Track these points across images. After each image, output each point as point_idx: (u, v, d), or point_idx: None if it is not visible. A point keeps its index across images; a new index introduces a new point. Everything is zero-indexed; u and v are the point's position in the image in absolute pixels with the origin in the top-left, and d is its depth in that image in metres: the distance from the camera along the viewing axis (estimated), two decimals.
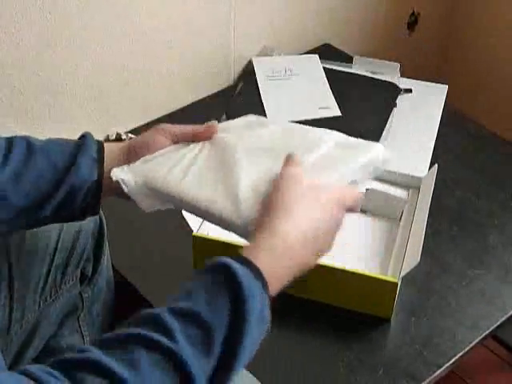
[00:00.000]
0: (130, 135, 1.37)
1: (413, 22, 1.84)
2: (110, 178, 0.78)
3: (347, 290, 1.01)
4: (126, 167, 0.79)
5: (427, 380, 0.95)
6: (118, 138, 1.36)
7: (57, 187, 0.77)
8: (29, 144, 0.79)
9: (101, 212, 1.01)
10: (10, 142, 0.78)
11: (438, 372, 0.96)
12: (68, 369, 0.54)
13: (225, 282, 0.59)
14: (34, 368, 0.53)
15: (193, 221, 1.03)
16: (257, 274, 0.61)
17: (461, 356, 0.99)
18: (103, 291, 1.06)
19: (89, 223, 0.99)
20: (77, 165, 0.78)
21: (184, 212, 1.00)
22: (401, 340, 1.00)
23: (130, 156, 0.81)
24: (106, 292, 1.07)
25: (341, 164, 0.74)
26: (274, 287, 0.63)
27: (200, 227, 1.06)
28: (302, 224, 0.65)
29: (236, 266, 0.60)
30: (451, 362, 0.97)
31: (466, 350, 0.99)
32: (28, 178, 0.77)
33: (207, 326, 0.57)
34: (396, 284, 0.97)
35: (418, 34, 1.87)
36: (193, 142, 0.82)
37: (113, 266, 1.09)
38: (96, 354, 0.55)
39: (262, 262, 0.62)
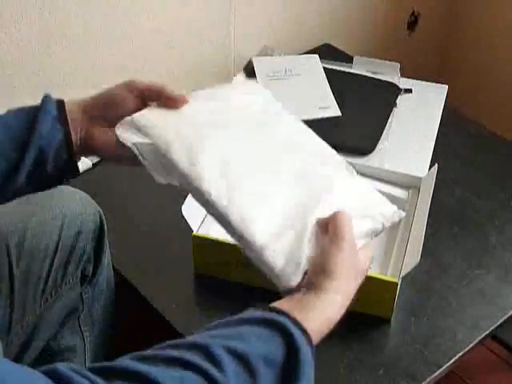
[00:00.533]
0: None
1: (413, 22, 1.84)
2: (79, 135, 0.77)
3: None
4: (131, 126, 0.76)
5: (427, 380, 0.95)
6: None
7: (22, 153, 0.75)
8: None
9: (101, 212, 1.01)
10: None
11: (438, 372, 0.96)
12: (107, 375, 0.52)
13: (283, 344, 0.59)
14: (65, 368, 0.51)
15: (193, 221, 1.03)
16: (309, 341, 0.61)
17: (461, 356, 0.99)
18: (103, 291, 1.06)
19: (89, 224, 0.99)
20: (37, 126, 0.75)
21: (184, 212, 1.00)
22: (401, 340, 1.00)
23: (94, 113, 0.78)
24: (107, 292, 1.07)
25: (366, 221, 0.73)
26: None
27: (200, 227, 1.06)
28: (343, 294, 0.66)
29: (295, 331, 0.60)
30: (451, 361, 0.97)
31: (466, 350, 0.99)
32: None
33: (258, 378, 0.56)
34: (396, 284, 0.97)
35: (418, 34, 1.87)
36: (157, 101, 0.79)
37: (113, 266, 1.09)
38: (141, 367, 0.54)
39: (313, 329, 0.63)
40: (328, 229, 0.68)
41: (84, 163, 1.29)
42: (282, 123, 0.81)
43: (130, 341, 1.15)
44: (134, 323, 1.17)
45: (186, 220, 1.00)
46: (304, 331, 0.61)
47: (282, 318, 0.60)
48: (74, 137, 0.77)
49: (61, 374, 0.51)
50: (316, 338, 0.63)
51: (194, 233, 1.03)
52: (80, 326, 1.04)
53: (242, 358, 0.56)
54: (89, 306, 1.05)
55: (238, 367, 0.56)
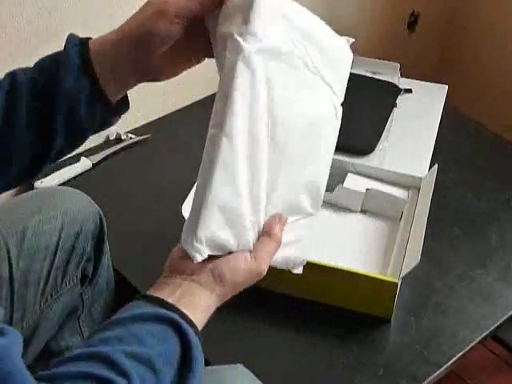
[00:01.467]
0: (129, 135, 1.37)
1: (413, 22, 1.84)
2: (117, 80, 0.71)
3: (347, 290, 1.01)
4: None
5: (427, 380, 0.95)
6: (118, 138, 1.37)
7: (52, 113, 0.70)
8: (13, 79, 0.71)
9: (101, 212, 1.01)
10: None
11: (438, 372, 0.96)
12: None
13: (176, 338, 0.61)
14: None
15: None
16: (197, 332, 0.63)
17: (461, 356, 0.99)
18: (103, 292, 1.06)
19: (89, 224, 0.99)
20: (60, 83, 0.69)
21: (184, 212, 1.00)
22: (401, 340, 1.00)
23: (129, 49, 0.70)
24: (107, 292, 1.07)
25: None
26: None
27: None
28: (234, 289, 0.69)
29: (186, 326, 0.62)
30: (451, 361, 0.97)
31: (466, 349, 0.99)
32: (18, 114, 0.71)
33: (159, 374, 0.59)
34: (396, 284, 0.97)
35: (417, 34, 1.87)
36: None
37: (113, 266, 1.09)
38: None
39: (198, 319, 0.65)
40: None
41: (84, 163, 1.30)
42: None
43: None
44: None
45: (186, 220, 1.00)
46: (192, 324, 0.63)
47: (172, 314, 0.62)
48: (109, 78, 0.70)
49: None
50: (200, 328, 0.65)
51: None
52: (80, 327, 1.04)
53: (143, 361, 0.58)
54: (89, 306, 1.04)
55: (141, 370, 0.58)
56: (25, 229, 0.93)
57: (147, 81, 0.74)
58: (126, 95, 0.76)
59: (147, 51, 0.70)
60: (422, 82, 1.48)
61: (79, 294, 1.02)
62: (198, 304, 0.66)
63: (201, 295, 0.66)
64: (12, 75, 0.72)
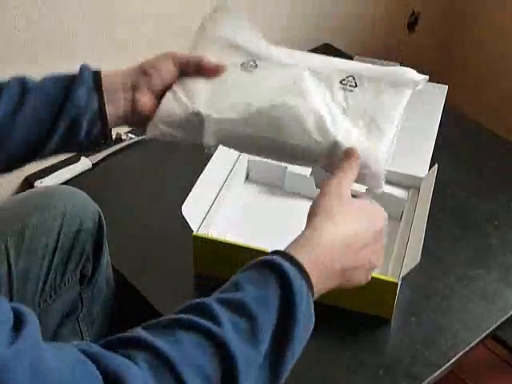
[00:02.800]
0: (129, 135, 1.37)
1: (413, 22, 1.84)
2: (114, 108, 0.79)
3: (347, 290, 1.00)
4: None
5: (427, 380, 0.95)
6: (118, 138, 1.37)
7: (56, 119, 0.77)
8: (23, 83, 0.78)
9: (100, 212, 1.01)
10: (5, 83, 0.78)
11: (438, 372, 0.96)
12: (116, 347, 0.56)
13: (275, 280, 0.60)
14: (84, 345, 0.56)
15: (193, 221, 1.03)
16: (304, 275, 0.62)
17: (461, 356, 0.99)
18: (103, 291, 1.06)
19: (88, 223, 0.99)
20: (72, 96, 0.77)
21: (184, 212, 1.00)
22: (401, 340, 1.00)
23: (135, 82, 0.80)
24: (106, 292, 1.07)
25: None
26: (316, 291, 0.64)
27: (200, 227, 1.06)
28: (342, 232, 0.67)
29: (286, 265, 0.61)
30: (451, 361, 0.97)
31: (466, 349, 0.99)
32: (24, 115, 0.77)
33: (255, 320, 0.58)
34: (396, 284, 0.97)
35: (418, 34, 1.87)
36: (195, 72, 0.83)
37: (113, 266, 1.09)
38: (142, 333, 0.58)
39: (309, 265, 0.63)
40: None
41: (84, 163, 1.30)
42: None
43: None
44: (133, 323, 1.17)
45: (186, 220, 1.00)
46: (297, 264, 0.62)
47: (273, 257, 0.62)
48: (113, 109, 0.79)
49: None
50: (312, 270, 0.63)
51: (194, 233, 1.03)
52: (79, 326, 1.04)
53: (234, 306, 0.58)
54: (88, 305, 1.04)
55: (232, 315, 0.58)
56: (24, 228, 0.93)
57: (128, 124, 0.84)
58: (110, 131, 0.82)
59: (147, 85, 0.80)
60: None
61: (78, 294, 1.02)
62: (300, 241, 0.65)
63: (306, 233, 0.66)
64: (21, 80, 0.79)
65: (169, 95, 0.80)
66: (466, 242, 1.16)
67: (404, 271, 0.96)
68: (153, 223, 1.18)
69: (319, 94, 0.77)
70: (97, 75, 0.79)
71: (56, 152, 0.81)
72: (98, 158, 1.32)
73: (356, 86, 0.78)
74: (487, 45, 1.83)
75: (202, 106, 0.78)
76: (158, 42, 1.35)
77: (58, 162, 1.28)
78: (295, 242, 0.65)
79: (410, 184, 1.19)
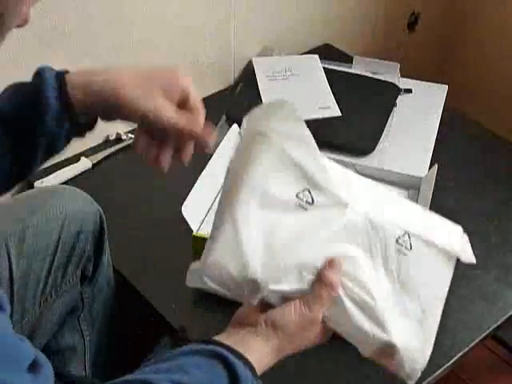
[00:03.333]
0: (129, 135, 1.37)
1: (413, 22, 1.84)
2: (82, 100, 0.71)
3: None
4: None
5: (427, 380, 0.95)
6: (118, 138, 1.37)
7: (33, 152, 0.73)
8: None
9: (101, 212, 1.01)
10: None
11: (438, 372, 0.96)
12: None
13: (224, 371, 0.63)
14: None
15: (193, 221, 1.03)
16: (248, 365, 0.65)
17: (461, 356, 0.99)
18: (103, 291, 1.06)
19: (89, 223, 0.99)
20: (43, 129, 0.71)
21: (184, 212, 1.00)
22: None
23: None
24: (107, 292, 1.07)
25: None
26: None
27: (200, 227, 1.06)
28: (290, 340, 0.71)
29: (233, 359, 0.64)
30: (451, 361, 0.97)
31: (466, 350, 0.99)
32: None
33: None
34: None
35: (418, 34, 1.87)
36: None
37: (113, 266, 1.09)
38: None
39: (252, 359, 0.66)
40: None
41: (84, 163, 1.30)
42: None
43: (130, 340, 1.15)
44: (134, 323, 1.17)
45: (186, 220, 1.00)
46: (241, 357, 0.65)
47: (219, 349, 0.64)
48: (85, 104, 0.72)
49: None
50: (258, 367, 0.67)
51: (194, 233, 1.03)
52: (80, 326, 1.04)
53: None
54: (89, 305, 1.05)
55: None
56: (25, 228, 0.93)
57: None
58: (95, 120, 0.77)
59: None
60: (422, 82, 1.48)
61: (79, 294, 1.02)
62: (250, 348, 0.67)
63: (255, 342, 0.68)
64: None
65: (219, 244, 0.69)
66: None
67: None
68: (153, 223, 1.18)
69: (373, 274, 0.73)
70: (61, 85, 0.71)
71: (41, 162, 0.77)
72: (98, 158, 1.32)
73: (411, 248, 0.74)
74: (487, 45, 1.83)
75: (259, 270, 0.69)
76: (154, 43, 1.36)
77: (58, 162, 1.28)
78: (241, 341, 0.68)
79: (410, 184, 1.19)
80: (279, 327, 0.69)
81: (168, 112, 0.72)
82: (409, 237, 0.74)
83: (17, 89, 0.74)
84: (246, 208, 0.69)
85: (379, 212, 0.73)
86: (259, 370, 0.67)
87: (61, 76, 0.72)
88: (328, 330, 0.74)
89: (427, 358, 0.75)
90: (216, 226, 0.70)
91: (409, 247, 0.74)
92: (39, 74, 0.72)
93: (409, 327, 0.73)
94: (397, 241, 0.73)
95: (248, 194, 0.69)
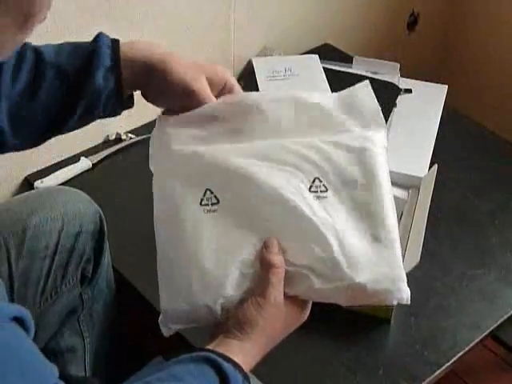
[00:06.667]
0: (129, 135, 1.37)
1: (413, 22, 1.84)
2: (130, 77, 0.77)
3: None
4: None
5: (427, 380, 0.95)
6: (118, 138, 1.37)
7: (75, 99, 0.76)
8: (38, 57, 0.77)
9: (101, 212, 1.01)
10: (21, 55, 0.77)
11: (438, 372, 0.96)
12: None
13: (215, 374, 0.64)
14: None
15: None
16: (238, 367, 0.66)
17: (461, 356, 0.99)
18: (103, 292, 1.06)
19: (89, 224, 0.99)
20: (90, 80, 0.75)
21: None
22: (401, 340, 1.00)
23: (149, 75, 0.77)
24: (107, 292, 1.07)
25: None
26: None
27: None
28: (271, 338, 0.72)
29: (222, 361, 0.65)
30: (451, 361, 0.98)
31: (466, 349, 0.99)
32: (42, 93, 0.76)
33: None
34: None
35: (417, 34, 1.87)
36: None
37: (113, 266, 1.09)
38: None
39: (240, 359, 0.68)
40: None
41: (84, 163, 1.30)
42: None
43: (130, 341, 1.15)
44: (134, 323, 1.17)
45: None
46: (228, 360, 0.66)
47: (207, 353, 0.66)
48: (129, 72, 0.77)
49: None
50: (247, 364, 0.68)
51: None
52: (80, 327, 1.04)
53: None
54: (88, 306, 1.04)
55: None
56: (25, 229, 0.93)
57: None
58: (132, 94, 0.81)
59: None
60: (422, 82, 1.48)
61: (79, 294, 1.02)
62: (232, 352, 0.68)
63: (234, 346, 0.69)
64: (37, 52, 0.77)
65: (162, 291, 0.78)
66: (466, 241, 1.16)
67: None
68: (153, 223, 1.17)
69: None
70: (115, 51, 0.76)
71: (77, 126, 0.80)
72: (98, 158, 1.32)
73: (326, 189, 0.73)
74: (487, 45, 1.83)
75: (205, 294, 0.72)
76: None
77: (58, 162, 1.28)
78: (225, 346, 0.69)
79: (410, 184, 1.19)
80: (246, 326, 0.69)
81: (209, 96, 0.77)
82: (319, 180, 0.73)
83: (76, 46, 0.78)
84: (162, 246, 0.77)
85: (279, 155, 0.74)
86: (246, 369, 0.68)
87: (116, 41, 0.78)
88: (302, 305, 0.74)
89: (402, 277, 0.75)
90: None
91: (324, 189, 0.73)
92: (97, 37, 0.78)
93: (367, 262, 0.71)
94: (310, 190, 0.73)
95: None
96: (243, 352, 0.69)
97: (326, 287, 0.71)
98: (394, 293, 0.73)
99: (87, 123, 0.82)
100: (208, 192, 0.73)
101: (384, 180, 0.74)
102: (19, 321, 0.52)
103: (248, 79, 1.48)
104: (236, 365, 0.66)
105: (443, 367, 0.97)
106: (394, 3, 1.75)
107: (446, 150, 1.33)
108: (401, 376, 0.95)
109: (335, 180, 0.73)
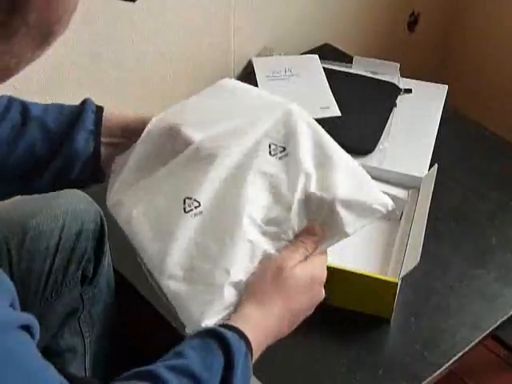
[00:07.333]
0: None
1: (413, 22, 1.84)
2: (109, 150, 0.79)
3: (347, 290, 1.01)
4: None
5: (427, 380, 0.95)
6: None
7: (52, 157, 0.77)
8: (25, 110, 0.78)
9: (101, 212, 1.01)
10: (7, 106, 0.78)
11: (438, 372, 0.96)
12: None
13: (216, 343, 0.65)
14: None
15: None
16: (241, 335, 0.66)
17: (461, 356, 0.99)
18: (104, 292, 1.06)
19: (89, 224, 0.99)
20: (72, 139, 0.77)
21: None
22: (401, 340, 1.00)
23: (135, 133, 0.80)
24: (107, 293, 1.07)
25: None
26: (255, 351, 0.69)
27: None
28: (283, 312, 0.71)
29: (224, 330, 0.66)
30: (451, 361, 0.98)
31: (466, 349, 0.99)
32: (22, 144, 0.77)
33: (200, 380, 0.62)
34: (396, 284, 0.97)
35: (417, 34, 1.87)
36: None
37: (113, 266, 1.09)
38: None
39: (247, 331, 0.67)
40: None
41: None
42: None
43: (130, 341, 1.15)
44: (134, 323, 1.17)
45: None
46: (236, 330, 0.66)
47: (216, 327, 0.67)
48: (108, 151, 0.80)
49: None
50: (254, 335, 0.67)
51: None
52: (80, 327, 1.04)
53: (182, 371, 0.62)
54: (89, 306, 1.05)
55: (180, 379, 0.61)
56: (25, 229, 0.93)
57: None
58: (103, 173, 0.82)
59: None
60: (422, 82, 1.48)
61: (79, 294, 1.02)
62: (238, 314, 0.69)
63: (242, 307, 0.69)
64: (24, 106, 0.78)
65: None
66: (466, 241, 1.16)
67: (404, 271, 0.96)
68: None
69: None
70: (98, 116, 0.79)
71: (46, 188, 0.81)
72: None
73: (284, 149, 0.76)
74: (487, 45, 1.83)
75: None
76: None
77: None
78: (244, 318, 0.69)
79: (410, 184, 1.19)
80: (253, 286, 0.70)
81: None
82: (275, 145, 0.77)
83: (63, 106, 0.81)
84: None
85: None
86: (258, 334, 0.68)
87: (101, 108, 0.81)
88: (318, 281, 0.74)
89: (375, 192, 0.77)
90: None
91: (282, 149, 0.76)
92: (84, 101, 0.81)
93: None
94: (270, 153, 0.76)
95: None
96: (250, 314, 0.69)
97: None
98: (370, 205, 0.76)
99: (58, 186, 0.82)
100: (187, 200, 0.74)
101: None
102: (26, 329, 0.52)
103: (248, 79, 1.48)
104: (241, 334, 0.66)
105: (443, 367, 0.97)
106: (393, 3, 1.75)
107: (446, 150, 1.33)
108: (401, 376, 0.95)
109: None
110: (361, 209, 0.75)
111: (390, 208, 0.76)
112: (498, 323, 1.03)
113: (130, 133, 0.80)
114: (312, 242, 0.73)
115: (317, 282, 0.74)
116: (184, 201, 0.73)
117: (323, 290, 0.75)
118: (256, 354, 0.69)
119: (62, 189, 0.86)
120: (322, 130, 0.80)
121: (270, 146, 0.76)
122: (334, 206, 0.73)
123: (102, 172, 0.81)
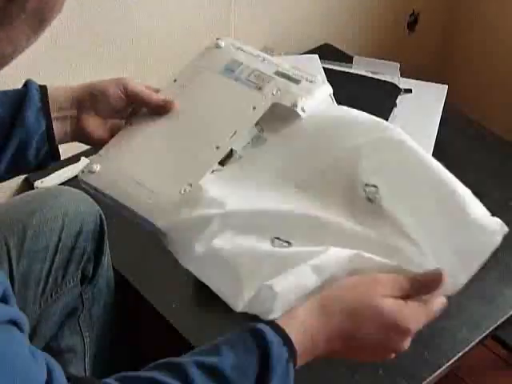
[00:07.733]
0: None
1: (413, 22, 1.84)
2: (61, 125, 0.80)
3: None
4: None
5: (427, 380, 0.95)
6: None
7: (5, 141, 0.77)
8: None
9: (101, 212, 1.01)
10: None
11: (438, 372, 0.96)
12: None
13: (255, 348, 0.61)
14: None
15: None
16: (286, 341, 0.63)
17: (461, 356, 0.99)
18: (104, 292, 1.06)
19: (89, 224, 0.99)
20: (21, 119, 0.77)
21: None
22: None
23: (82, 101, 0.81)
24: (107, 292, 1.07)
25: None
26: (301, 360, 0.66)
27: None
28: (354, 342, 0.68)
29: (267, 329, 0.62)
30: (451, 361, 0.97)
31: (466, 349, 0.99)
32: None
33: (227, 381, 0.60)
34: None
35: (418, 34, 1.87)
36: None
37: (113, 266, 1.09)
38: None
39: (299, 343, 0.64)
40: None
41: (84, 163, 1.30)
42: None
43: (130, 341, 1.15)
44: (134, 323, 1.17)
45: None
46: (279, 330, 0.63)
47: (255, 324, 0.63)
48: (60, 126, 0.80)
49: None
50: (299, 339, 0.64)
51: None
52: (80, 327, 1.04)
53: (209, 369, 0.60)
54: (89, 306, 1.04)
55: (207, 380, 0.59)
56: (25, 229, 0.93)
57: (77, 140, 0.85)
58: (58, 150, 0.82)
59: (93, 108, 0.82)
60: (422, 82, 1.48)
61: (79, 294, 1.02)
62: (292, 316, 0.65)
63: (298, 312, 0.65)
64: None
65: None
66: None
67: None
68: None
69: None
70: (43, 93, 0.79)
71: (4, 175, 0.81)
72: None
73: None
74: (487, 45, 1.83)
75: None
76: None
77: (58, 162, 1.28)
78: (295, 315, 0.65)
79: None
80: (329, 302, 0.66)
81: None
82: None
83: (6, 91, 0.81)
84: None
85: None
86: (306, 343, 0.65)
87: (44, 86, 0.81)
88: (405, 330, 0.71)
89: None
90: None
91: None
92: (26, 82, 0.81)
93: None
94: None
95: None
96: (305, 321, 0.65)
97: None
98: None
99: (16, 170, 0.82)
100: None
101: None
102: (15, 324, 0.51)
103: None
104: (286, 337, 0.63)
105: (443, 367, 0.97)
106: (394, 3, 1.75)
107: (446, 150, 1.33)
108: (401, 376, 0.95)
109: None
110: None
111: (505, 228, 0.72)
112: (498, 323, 1.03)
113: (79, 103, 0.81)
114: (424, 288, 0.71)
115: (400, 330, 0.71)
116: None
117: (405, 344, 0.72)
118: (301, 363, 0.66)
119: (19, 174, 0.86)
120: None
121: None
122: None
123: (57, 150, 0.82)
